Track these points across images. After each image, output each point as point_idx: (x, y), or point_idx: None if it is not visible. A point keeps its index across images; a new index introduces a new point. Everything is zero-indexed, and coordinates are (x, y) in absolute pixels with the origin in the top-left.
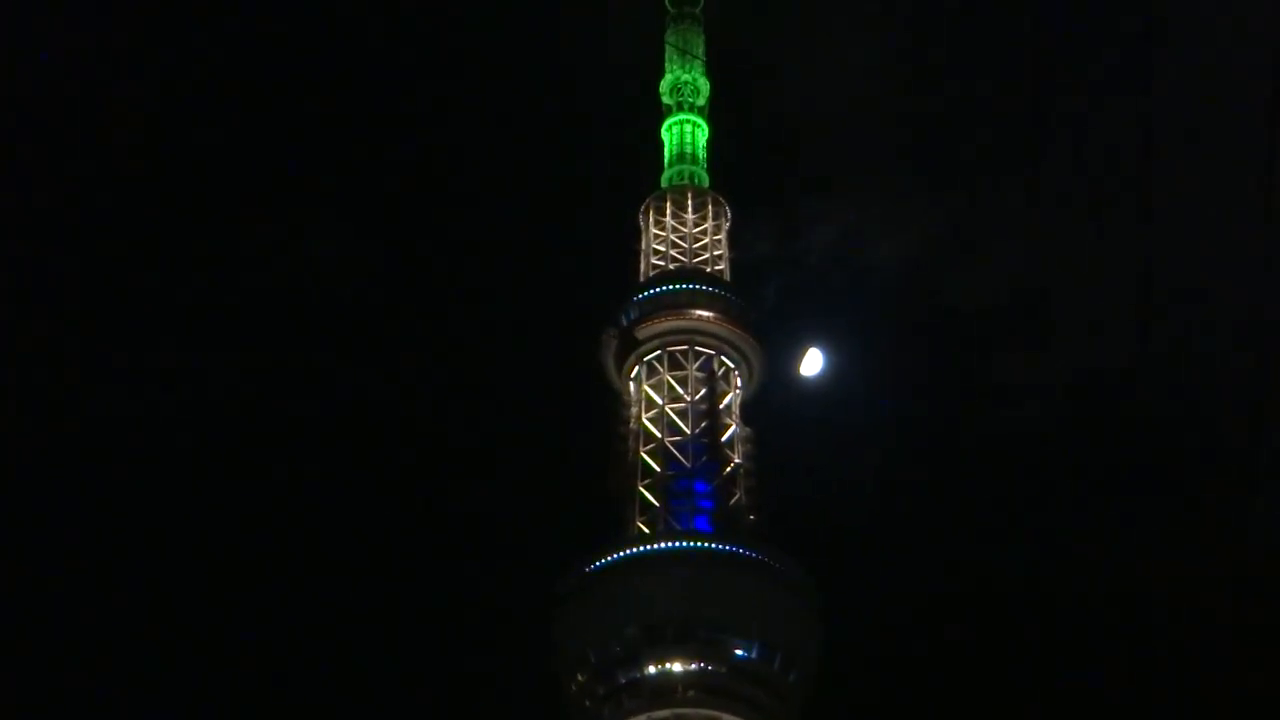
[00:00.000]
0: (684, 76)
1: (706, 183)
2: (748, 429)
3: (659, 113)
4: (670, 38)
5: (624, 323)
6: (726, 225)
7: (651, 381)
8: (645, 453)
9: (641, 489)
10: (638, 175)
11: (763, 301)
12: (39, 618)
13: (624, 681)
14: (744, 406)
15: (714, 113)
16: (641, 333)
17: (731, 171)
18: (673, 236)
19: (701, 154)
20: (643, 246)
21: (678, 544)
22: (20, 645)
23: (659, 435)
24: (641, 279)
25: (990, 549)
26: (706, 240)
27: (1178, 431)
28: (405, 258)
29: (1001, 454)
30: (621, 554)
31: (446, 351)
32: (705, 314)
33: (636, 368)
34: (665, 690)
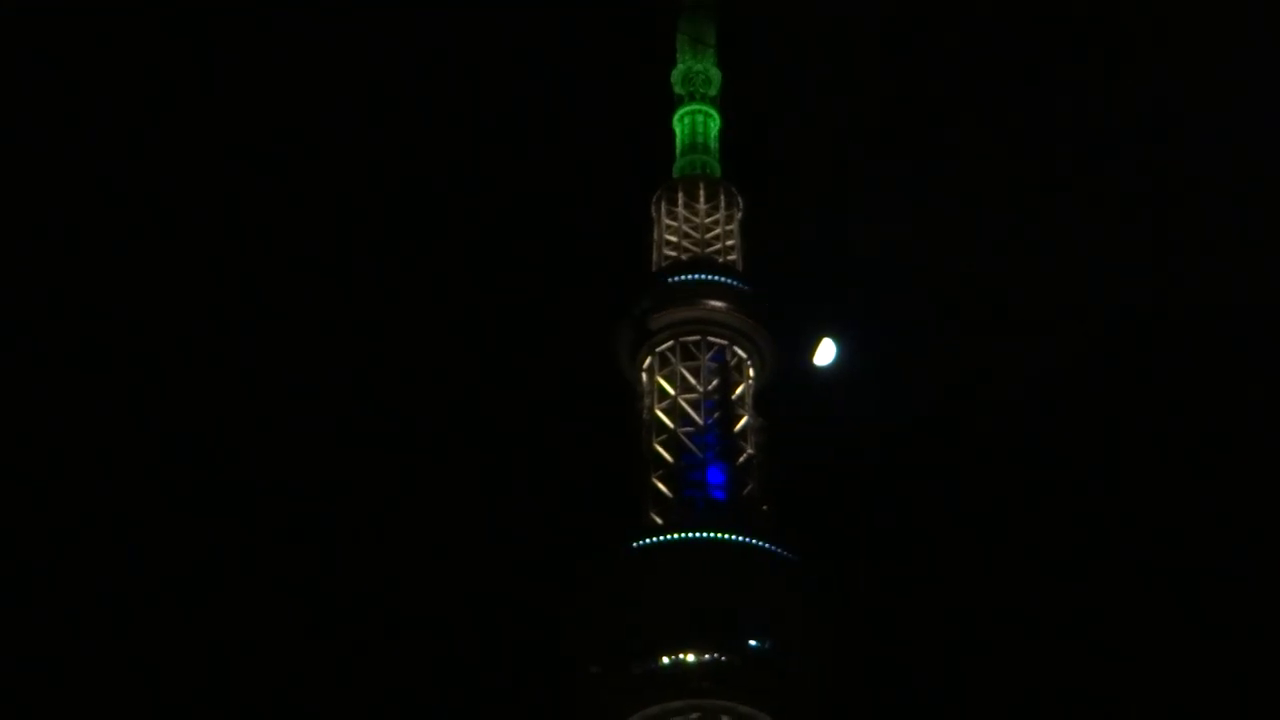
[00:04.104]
0: (696, 66)
1: (719, 173)
2: (761, 419)
3: (670, 102)
4: (683, 27)
5: (636, 313)
6: (739, 215)
7: (664, 372)
8: (658, 444)
9: (655, 480)
10: (650, 166)
11: (775, 291)
12: (47, 617)
13: (638, 673)
14: (757, 397)
15: (724, 102)
16: (654, 323)
17: (743, 161)
18: (685, 227)
19: (714, 144)
20: (655, 237)
21: (691, 535)
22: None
23: (672, 426)
24: (653, 269)
25: (1011, 539)
26: (719, 230)
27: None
28: (406, 248)
29: (1015, 440)
30: (634, 545)
31: (451, 344)
32: (717, 304)
33: (649, 359)
34: (679, 681)
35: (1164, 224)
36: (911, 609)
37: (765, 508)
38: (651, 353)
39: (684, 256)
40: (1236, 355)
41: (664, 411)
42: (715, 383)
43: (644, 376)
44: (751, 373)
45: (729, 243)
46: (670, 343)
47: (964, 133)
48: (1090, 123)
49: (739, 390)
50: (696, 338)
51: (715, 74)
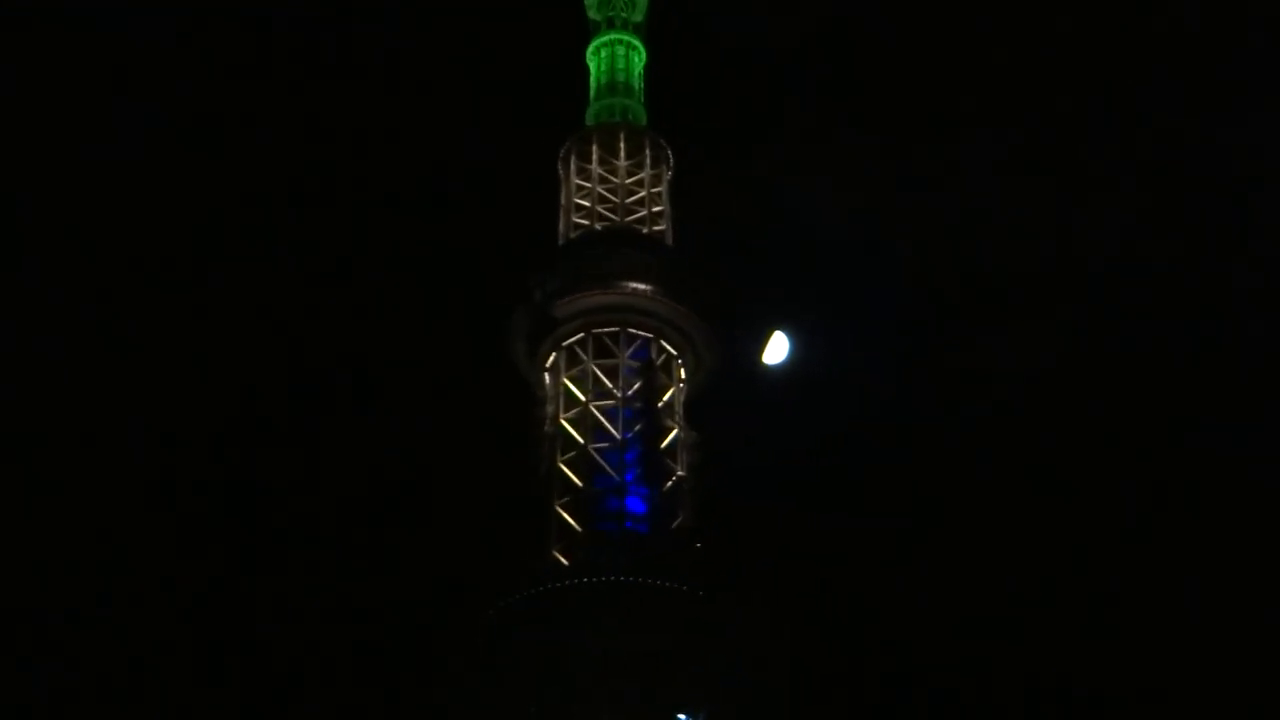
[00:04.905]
0: None
1: (644, 120)
2: (694, 433)
3: (584, 32)
4: None
5: (538, 298)
6: (668, 174)
7: (572, 372)
8: (563, 463)
9: (559, 508)
10: (557, 111)
11: (714, 271)
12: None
13: None
14: (689, 404)
15: (653, 32)
16: (560, 310)
17: (675, 107)
18: (600, 188)
19: (637, 84)
20: (562, 201)
21: (604, 579)
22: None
23: (581, 440)
24: (561, 241)
25: (1009, 540)
26: (643, 193)
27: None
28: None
29: (988, 448)
30: (530, 593)
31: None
32: (641, 287)
33: (554, 355)
34: None
35: (1164, 224)
36: (874, 645)
37: (698, 544)
38: (557, 347)
39: (599, 225)
40: (1237, 354)
41: (571, 422)
42: (637, 386)
43: (546, 377)
44: (683, 373)
45: (656, 209)
46: (581, 335)
47: (962, 131)
48: (1091, 122)
49: (667, 395)
50: (614, 329)
51: None
